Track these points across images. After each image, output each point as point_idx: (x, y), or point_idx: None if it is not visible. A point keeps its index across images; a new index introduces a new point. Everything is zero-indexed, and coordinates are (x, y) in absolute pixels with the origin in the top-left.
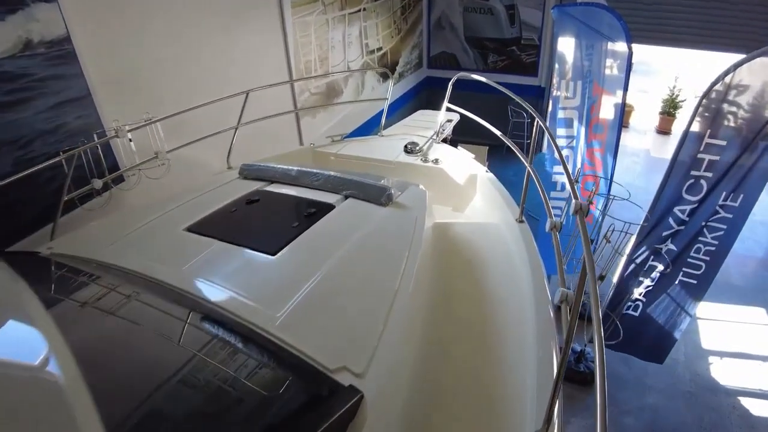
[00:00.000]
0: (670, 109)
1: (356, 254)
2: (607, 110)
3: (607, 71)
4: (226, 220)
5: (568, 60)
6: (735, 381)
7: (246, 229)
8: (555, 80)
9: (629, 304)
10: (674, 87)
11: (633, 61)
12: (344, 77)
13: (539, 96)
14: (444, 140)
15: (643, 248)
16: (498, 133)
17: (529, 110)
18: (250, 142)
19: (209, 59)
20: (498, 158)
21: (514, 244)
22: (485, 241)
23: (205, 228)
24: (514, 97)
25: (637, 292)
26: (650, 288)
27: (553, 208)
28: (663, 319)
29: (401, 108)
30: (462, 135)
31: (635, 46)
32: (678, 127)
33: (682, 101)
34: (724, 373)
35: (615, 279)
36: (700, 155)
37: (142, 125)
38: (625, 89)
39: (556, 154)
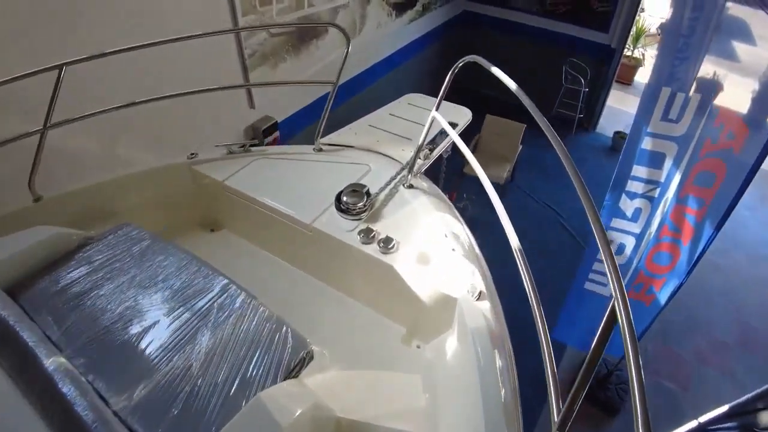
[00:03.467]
0: None
1: None
2: (729, 153)
3: (750, 80)
4: None
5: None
6: None
7: None
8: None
9: None
10: None
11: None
12: (333, 8)
13: (605, 59)
14: (438, 160)
15: (732, 424)
16: (475, 165)
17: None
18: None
19: None
20: (536, 136)
21: None
22: None
23: None
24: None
25: None
26: None
27: (599, 273)
28: None
29: (421, 51)
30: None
31: None
32: None
33: None
34: None
35: None
36: None
37: None
38: None
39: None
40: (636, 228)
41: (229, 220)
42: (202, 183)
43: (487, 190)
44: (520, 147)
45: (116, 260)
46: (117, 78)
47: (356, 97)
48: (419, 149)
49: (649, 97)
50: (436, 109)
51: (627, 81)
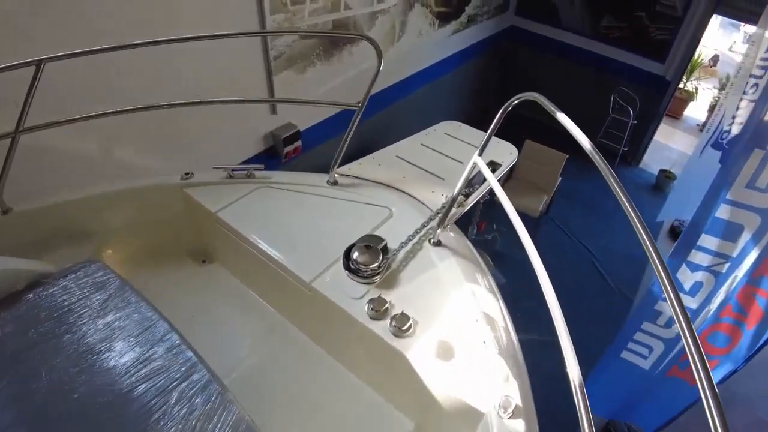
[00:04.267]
0: None
1: None
2: None
3: None
4: None
5: None
6: None
7: None
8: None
9: None
10: None
11: None
12: (371, 12)
13: (658, 90)
14: (475, 207)
15: None
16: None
17: None
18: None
19: None
20: (578, 164)
21: None
22: None
23: None
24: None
25: None
26: None
27: (641, 344)
28: None
29: (462, 65)
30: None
31: None
32: None
33: None
34: None
35: None
36: None
37: None
38: None
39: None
40: (693, 303)
41: (221, 254)
42: (195, 211)
43: (528, 251)
44: (560, 179)
45: (69, 310)
46: (122, 77)
47: (387, 110)
48: (453, 200)
49: (735, 159)
50: (480, 153)
51: (676, 115)
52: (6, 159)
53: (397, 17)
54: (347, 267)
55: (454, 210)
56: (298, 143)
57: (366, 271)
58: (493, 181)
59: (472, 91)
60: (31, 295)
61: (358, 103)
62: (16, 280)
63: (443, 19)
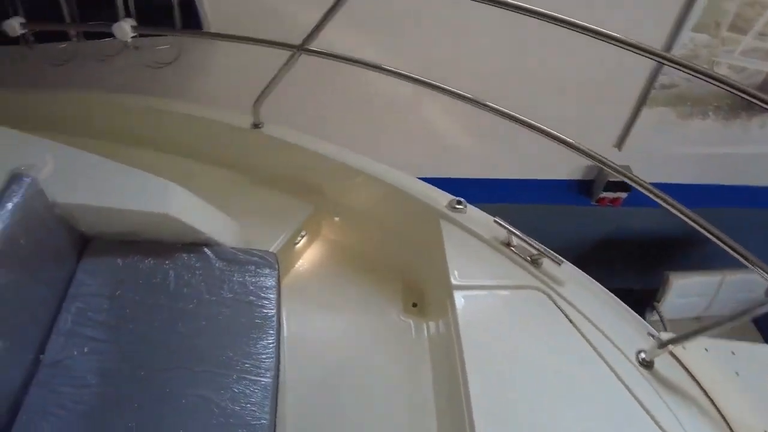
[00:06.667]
0: None
1: None
2: None
3: None
4: None
5: None
6: None
7: None
8: None
9: None
10: None
11: None
12: None
13: None
14: None
15: None
16: None
17: None
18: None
19: None
20: None
21: None
22: None
23: None
24: None
25: None
26: None
27: None
28: None
29: None
30: None
31: None
32: None
33: None
34: None
35: None
36: None
37: None
38: None
39: None
40: None
41: (436, 315)
42: (436, 250)
43: None
44: None
45: (198, 302)
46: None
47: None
48: None
49: None
50: None
51: None
52: (278, 72)
53: None
54: None
55: None
56: (623, 195)
57: None
58: None
59: None
60: (182, 257)
61: None
62: (186, 233)
63: None
